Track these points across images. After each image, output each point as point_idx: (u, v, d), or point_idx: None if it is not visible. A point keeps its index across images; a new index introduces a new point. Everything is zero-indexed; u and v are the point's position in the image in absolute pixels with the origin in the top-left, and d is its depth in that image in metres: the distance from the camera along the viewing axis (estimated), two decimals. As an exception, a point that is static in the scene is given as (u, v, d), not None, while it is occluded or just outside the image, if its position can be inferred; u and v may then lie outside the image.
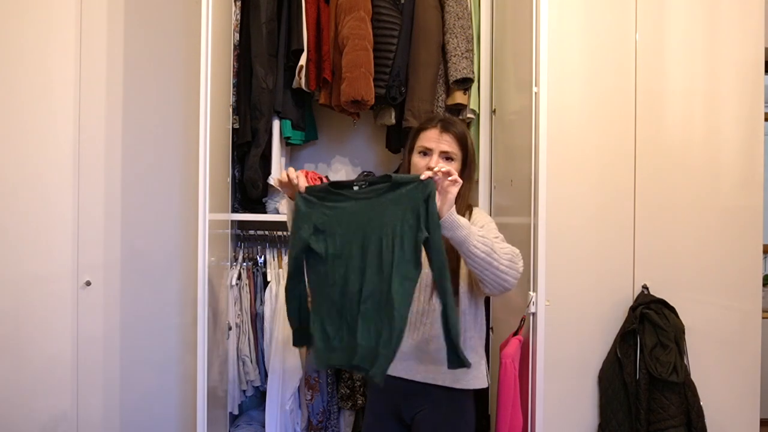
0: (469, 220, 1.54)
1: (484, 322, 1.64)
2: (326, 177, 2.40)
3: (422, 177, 1.35)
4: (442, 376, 1.54)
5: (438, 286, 1.36)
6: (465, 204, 1.58)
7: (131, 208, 2.30)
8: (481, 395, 1.76)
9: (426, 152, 1.58)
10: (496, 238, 1.47)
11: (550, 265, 1.66)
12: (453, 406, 1.57)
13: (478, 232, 1.38)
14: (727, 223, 2.18)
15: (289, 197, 1.51)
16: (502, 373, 1.67)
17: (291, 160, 2.60)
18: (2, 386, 2.22)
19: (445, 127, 1.57)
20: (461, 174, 1.54)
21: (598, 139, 2.17)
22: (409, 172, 1.61)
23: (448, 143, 1.56)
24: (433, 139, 1.57)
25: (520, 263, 1.44)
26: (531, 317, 1.65)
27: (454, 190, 1.35)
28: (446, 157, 1.56)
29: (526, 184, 1.70)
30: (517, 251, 1.45)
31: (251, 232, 2.41)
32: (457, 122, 1.62)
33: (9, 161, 2.22)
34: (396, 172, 2.40)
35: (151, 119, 2.31)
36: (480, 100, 2.22)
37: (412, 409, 1.58)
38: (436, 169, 1.34)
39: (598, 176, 2.17)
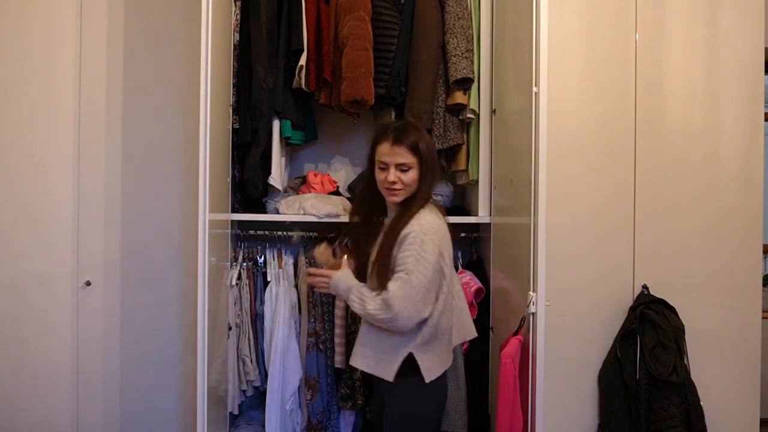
0: (405, 229, 1.63)
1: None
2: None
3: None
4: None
5: None
6: (416, 205, 1.67)
7: (131, 208, 2.30)
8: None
9: (384, 167, 1.69)
10: (401, 271, 1.59)
11: (550, 265, 1.66)
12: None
13: (357, 289, 1.66)
14: (727, 223, 2.18)
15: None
16: (502, 373, 1.67)
17: (291, 160, 2.60)
18: (2, 386, 2.22)
19: (397, 140, 1.66)
20: (419, 177, 1.68)
21: (598, 139, 2.17)
22: (371, 183, 1.76)
23: (401, 155, 1.66)
24: (387, 153, 1.68)
25: (391, 311, 1.57)
26: (531, 317, 1.65)
27: (319, 284, 1.76)
28: (402, 168, 1.66)
29: (526, 184, 1.70)
30: (393, 296, 1.56)
31: (251, 232, 2.41)
32: (410, 130, 1.70)
33: (9, 161, 2.22)
34: (358, 182, 2.45)
35: (151, 119, 2.31)
36: (480, 100, 2.22)
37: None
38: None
39: (598, 176, 2.17)
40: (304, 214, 2.23)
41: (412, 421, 1.68)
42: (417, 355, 1.64)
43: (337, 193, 2.40)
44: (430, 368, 1.66)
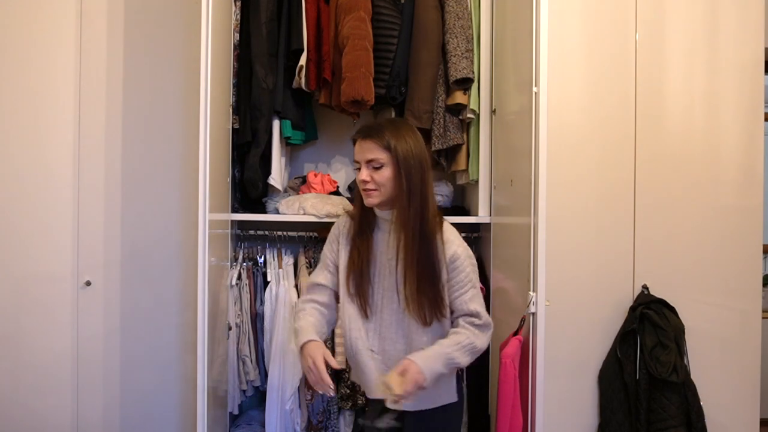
0: (448, 251, 1.50)
1: None
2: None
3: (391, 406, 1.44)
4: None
5: None
6: (435, 222, 1.52)
7: (131, 208, 2.30)
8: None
9: (357, 166, 1.53)
10: (469, 289, 1.51)
11: (550, 265, 1.66)
12: None
13: (452, 350, 1.45)
14: (727, 223, 2.18)
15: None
16: (502, 373, 1.67)
17: (291, 160, 2.60)
18: (2, 386, 2.22)
19: (364, 135, 1.50)
20: (396, 177, 1.48)
21: (598, 138, 2.17)
22: (358, 192, 1.58)
23: (369, 150, 1.49)
24: (357, 151, 1.52)
25: (489, 325, 1.52)
26: (531, 317, 1.65)
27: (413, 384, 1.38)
28: (373, 166, 1.49)
29: (526, 184, 1.70)
30: (484, 314, 1.51)
31: (251, 232, 2.41)
32: (381, 126, 1.51)
33: (9, 161, 2.22)
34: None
35: (151, 119, 2.31)
36: (480, 100, 2.22)
37: None
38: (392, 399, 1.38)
39: (598, 176, 2.17)
40: (304, 214, 2.23)
41: None
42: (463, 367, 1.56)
43: (337, 193, 2.40)
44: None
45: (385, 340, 1.54)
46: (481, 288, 2.21)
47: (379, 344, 1.55)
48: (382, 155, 1.48)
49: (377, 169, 1.49)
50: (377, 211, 1.56)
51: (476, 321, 1.49)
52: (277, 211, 2.31)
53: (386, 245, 1.55)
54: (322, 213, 2.21)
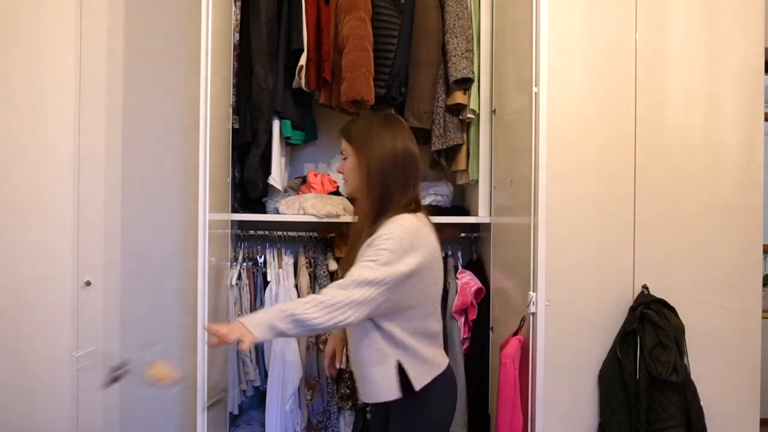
0: (377, 232, 1.47)
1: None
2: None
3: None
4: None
5: None
6: (378, 210, 1.50)
7: (131, 208, 2.30)
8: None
9: None
10: (365, 260, 1.42)
11: (550, 265, 1.66)
12: None
13: (292, 305, 1.39)
14: (728, 224, 2.18)
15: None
16: (502, 373, 1.67)
17: (291, 160, 2.60)
18: (2, 386, 2.22)
19: (341, 129, 1.64)
20: (356, 168, 1.55)
21: (598, 138, 2.17)
22: None
23: (342, 144, 1.62)
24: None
25: (340, 289, 1.39)
26: (531, 317, 1.65)
27: (227, 336, 1.37)
28: (343, 156, 1.62)
29: (526, 184, 1.70)
30: (347, 283, 1.39)
31: (251, 232, 2.41)
32: (357, 120, 1.67)
33: (9, 161, 2.22)
34: None
35: (151, 119, 2.31)
36: (480, 100, 2.22)
37: None
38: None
39: (598, 176, 2.17)
40: (305, 214, 2.23)
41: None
42: (404, 362, 1.51)
43: (337, 193, 2.40)
44: (418, 375, 1.52)
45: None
46: (481, 288, 2.23)
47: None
48: (346, 146, 1.60)
49: (344, 159, 1.61)
50: (355, 204, 1.67)
51: (339, 281, 1.42)
52: (277, 211, 2.31)
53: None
54: (322, 213, 2.21)
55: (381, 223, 1.49)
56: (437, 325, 1.61)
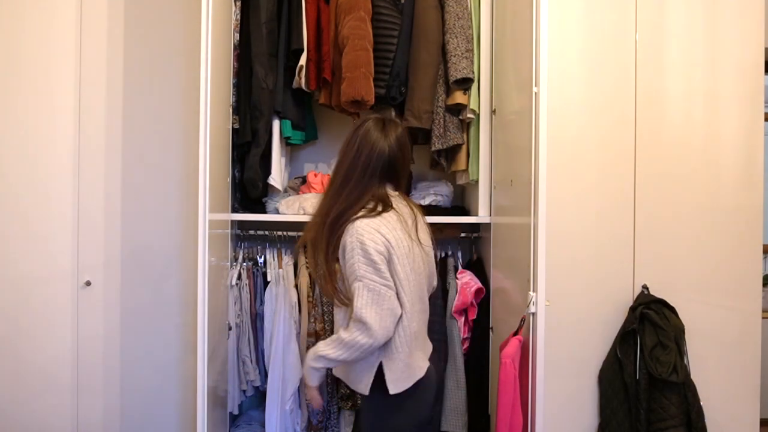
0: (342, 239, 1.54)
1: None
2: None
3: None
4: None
5: None
6: (342, 214, 1.55)
7: (131, 208, 2.30)
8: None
9: None
10: (353, 281, 1.50)
11: (550, 265, 1.66)
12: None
13: (322, 345, 1.55)
14: (727, 223, 2.18)
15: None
16: (502, 373, 1.67)
17: (291, 160, 2.60)
18: (2, 386, 2.22)
19: None
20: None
21: (598, 138, 2.17)
22: None
23: None
24: None
25: (367, 326, 1.47)
26: (531, 317, 1.65)
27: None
28: None
29: (526, 184, 1.70)
30: (360, 309, 1.47)
31: (251, 232, 2.41)
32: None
33: (9, 161, 2.22)
34: None
35: (151, 119, 2.31)
36: (480, 100, 2.22)
37: None
38: None
39: (598, 176, 2.17)
40: (304, 214, 2.23)
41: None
42: (386, 365, 1.54)
43: None
44: (397, 379, 1.55)
45: None
46: (481, 288, 2.23)
47: None
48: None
49: None
50: None
51: (353, 317, 1.50)
52: (277, 211, 2.31)
53: None
54: None
55: (338, 222, 1.55)
56: (416, 324, 1.60)
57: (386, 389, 1.54)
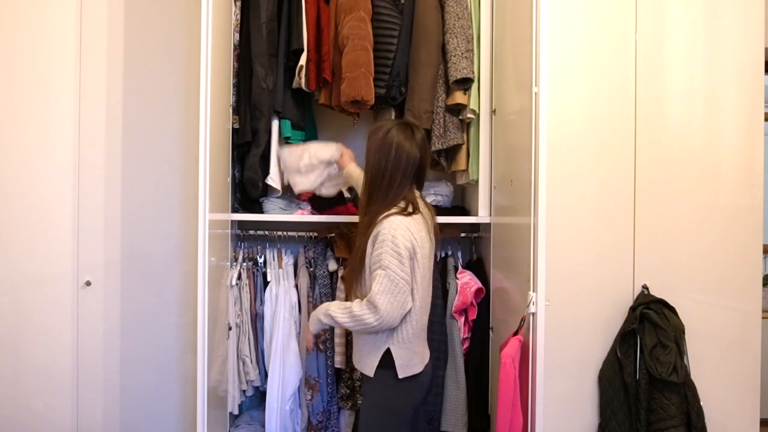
0: (375, 228, 1.68)
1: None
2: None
3: None
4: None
5: None
6: (377, 209, 1.71)
7: (131, 209, 2.30)
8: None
9: None
10: (377, 268, 1.63)
11: (550, 265, 1.66)
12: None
13: (336, 306, 1.72)
14: (727, 223, 2.18)
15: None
16: (502, 373, 1.67)
17: (291, 160, 2.60)
18: (2, 386, 2.22)
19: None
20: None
21: (598, 138, 2.17)
22: None
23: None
24: None
25: (377, 310, 1.62)
26: (531, 317, 1.65)
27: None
28: None
29: (526, 184, 1.70)
30: (375, 293, 1.62)
31: (251, 232, 2.41)
32: (373, 130, 1.80)
33: (9, 162, 2.22)
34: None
35: (151, 119, 2.31)
36: (480, 100, 2.22)
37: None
38: None
39: (598, 176, 2.17)
40: (308, 162, 2.19)
41: (380, 413, 1.73)
42: (394, 351, 1.69)
43: (340, 199, 2.37)
44: (406, 365, 1.70)
45: None
46: (481, 288, 2.23)
47: None
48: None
49: None
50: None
51: (368, 297, 1.64)
52: (274, 212, 2.31)
53: None
54: (324, 158, 2.18)
55: (375, 219, 1.69)
56: (424, 318, 1.78)
57: (390, 373, 1.69)
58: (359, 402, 2.26)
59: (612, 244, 2.17)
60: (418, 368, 1.73)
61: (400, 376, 1.69)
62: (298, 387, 2.26)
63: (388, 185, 1.71)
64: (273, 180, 2.24)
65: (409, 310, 1.68)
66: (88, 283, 2.26)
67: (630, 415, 2.07)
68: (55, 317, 2.24)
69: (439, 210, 2.35)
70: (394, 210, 1.69)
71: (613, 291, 2.17)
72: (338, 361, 2.28)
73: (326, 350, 2.30)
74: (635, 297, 2.16)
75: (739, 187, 2.18)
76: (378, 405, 1.74)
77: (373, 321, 1.62)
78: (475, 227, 2.44)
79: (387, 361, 1.70)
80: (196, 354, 1.69)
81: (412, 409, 1.75)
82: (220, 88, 1.92)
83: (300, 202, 2.36)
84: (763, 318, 2.20)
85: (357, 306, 1.65)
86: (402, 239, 1.63)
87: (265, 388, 2.25)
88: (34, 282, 2.23)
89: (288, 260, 2.37)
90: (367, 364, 1.73)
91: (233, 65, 2.22)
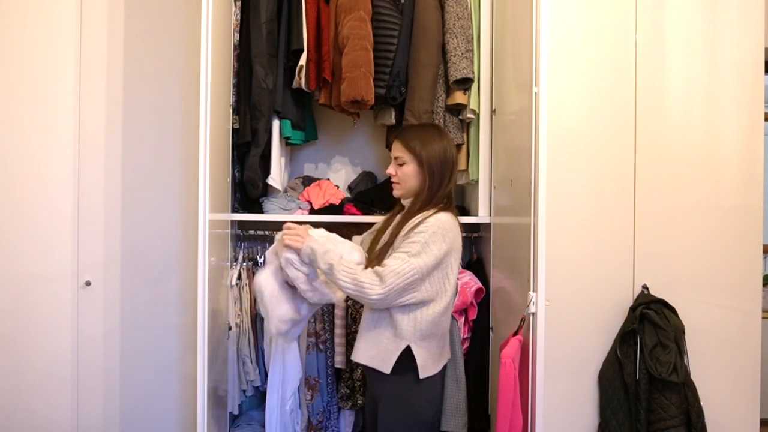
0: (417, 218, 1.69)
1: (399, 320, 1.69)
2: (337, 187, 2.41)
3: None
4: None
5: None
6: (428, 205, 1.74)
7: (131, 208, 2.30)
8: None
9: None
10: (404, 252, 1.62)
11: (550, 265, 1.66)
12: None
13: (342, 262, 1.63)
14: (727, 223, 2.18)
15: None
16: (502, 373, 1.67)
17: (291, 161, 2.60)
18: (2, 386, 2.22)
19: (397, 136, 1.82)
20: (417, 174, 1.76)
21: (598, 138, 2.17)
22: None
23: (396, 149, 1.80)
24: (392, 147, 1.83)
25: (382, 285, 1.59)
26: (531, 317, 1.65)
27: (287, 240, 1.68)
28: (398, 162, 1.79)
29: (526, 184, 1.70)
30: (388, 270, 1.60)
31: (251, 232, 2.41)
32: (411, 129, 1.84)
33: (9, 161, 2.22)
34: (358, 182, 2.53)
35: (151, 119, 2.31)
36: (480, 100, 2.22)
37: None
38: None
39: (598, 176, 2.17)
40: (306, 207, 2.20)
41: (407, 418, 1.69)
42: (414, 349, 1.66)
43: (339, 207, 2.37)
44: (425, 365, 1.68)
45: None
46: (481, 288, 2.23)
47: None
48: (404, 154, 1.77)
49: (401, 165, 1.78)
50: (402, 200, 1.83)
51: (378, 267, 1.63)
52: (274, 211, 2.31)
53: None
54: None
55: (423, 210, 1.72)
56: (448, 322, 1.78)
57: (408, 374, 1.67)
58: (359, 402, 2.26)
59: (612, 245, 2.17)
60: (434, 370, 1.72)
61: (422, 376, 1.67)
62: (298, 387, 2.26)
63: (439, 188, 1.76)
64: (273, 180, 2.24)
65: (443, 308, 1.68)
66: (88, 283, 2.26)
67: (630, 415, 2.07)
68: (55, 317, 2.24)
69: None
70: (441, 206, 1.73)
71: (613, 291, 2.17)
72: (338, 361, 2.28)
73: (326, 350, 2.30)
74: (635, 297, 2.16)
75: (739, 187, 2.19)
76: (403, 410, 1.70)
77: (373, 294, 1.59)
78: (475, 227, 2.44)
79: (407, 361, 1.66)
80: (196, 354, 1.69)
81: (436, 418, 1.76)
82: (220, 88, 1.92)
83: (300, 202, 2.36)
84: (763, 318, 2.20)
85: (362, 274, 1.61)
86: (441, 236, 1.64)
87: (265, 388, 2.25)
88: (34, 282, 2.23)
89: (288, 260, 2.36)
90: (384, 360, 1.68)
91: (233, 65, 2.22)
